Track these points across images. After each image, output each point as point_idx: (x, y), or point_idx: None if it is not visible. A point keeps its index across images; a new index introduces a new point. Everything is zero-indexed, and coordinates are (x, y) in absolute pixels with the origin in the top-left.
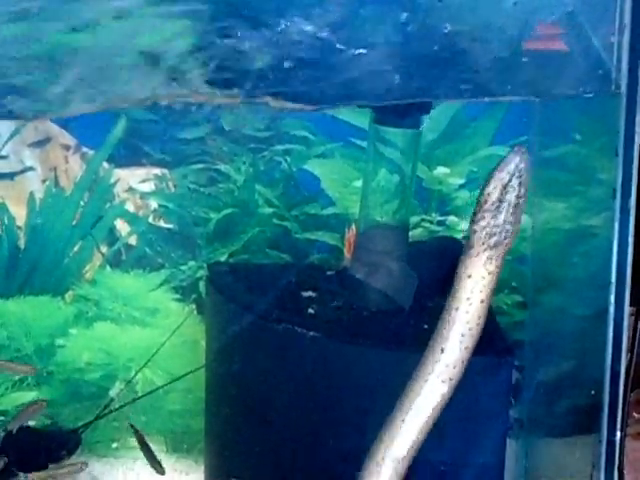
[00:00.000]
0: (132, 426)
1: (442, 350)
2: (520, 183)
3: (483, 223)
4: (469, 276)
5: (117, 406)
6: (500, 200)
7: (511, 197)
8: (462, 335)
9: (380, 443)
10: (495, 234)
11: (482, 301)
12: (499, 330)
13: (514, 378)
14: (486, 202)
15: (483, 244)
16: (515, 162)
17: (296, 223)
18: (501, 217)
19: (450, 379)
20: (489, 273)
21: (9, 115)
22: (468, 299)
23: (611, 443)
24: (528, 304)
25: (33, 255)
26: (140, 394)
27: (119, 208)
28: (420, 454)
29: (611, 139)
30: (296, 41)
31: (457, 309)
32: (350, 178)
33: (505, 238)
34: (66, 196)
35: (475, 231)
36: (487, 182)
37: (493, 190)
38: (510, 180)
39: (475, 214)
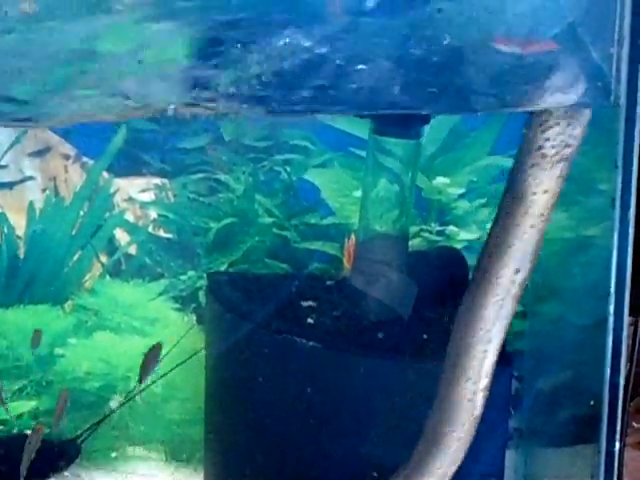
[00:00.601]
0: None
1: (517, 270)
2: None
3: (558, 129)
4: (545, 191)
5: (115, 413)
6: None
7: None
8: (535, 254)
9: None
10: (569, 145)
11: (548, 218)
12: None
13: (513, 388)
14: (558, 108)
15: (557, 154)
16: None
17: (296, 233)
18: (577, 125)
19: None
20: (559, 188)
21: (9, 123)
22: (542, 215)
23: (610, 454)
24: (527, 314)
25: (33, 264)
26: (139, 403)
27: (119, 218)
28: None
29: (610, 150)
30: (295, 53)
31: (532, 226)
32: (350, 188)
33: (576, 148)
34: (66, 205)
35: (548, 139)
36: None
37: (564, 95)
38: (582, 85)
39: (542, 123)
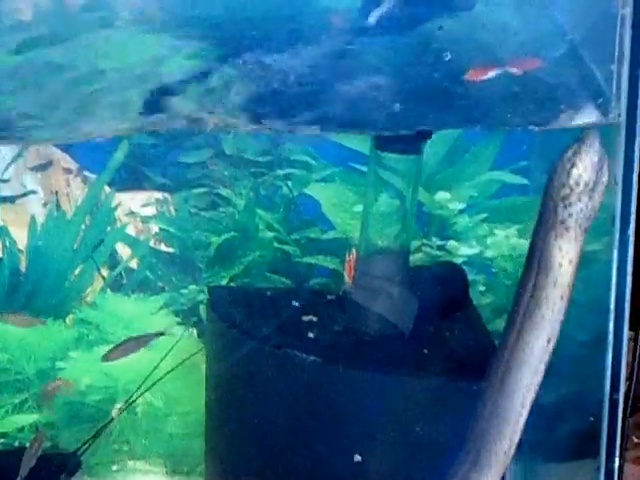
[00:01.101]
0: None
1: (549, 340)
2: (607, 160)
3: (580, 206)
4: (570, 261)
5: (115, 427)
6: (594, 182)
7: (604, 179)
8: (561, 322)
9: None
10: (590, 218)
11: (572, 285)
12: None
13: None
14: (578, 184)
15: (580, 226)
16: (598, 140)
17: (297, 247)
18: (596, 200)
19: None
20: (580, 255)
21: (13, 140)
22: (569, 285)
23: (610, 470)
24: None
25: (34, 278)
26: (140, 417)
27: (120, 232)
28: (419, 478)
29: (610, 166)
30: (296, 69)
31: (562, 297)
32: (350, 203)
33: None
34: (67, 220)
35: (571, 215)
36: (573, 164)
37: (584, 171)
38: (599, 160)
39: (565, 198)
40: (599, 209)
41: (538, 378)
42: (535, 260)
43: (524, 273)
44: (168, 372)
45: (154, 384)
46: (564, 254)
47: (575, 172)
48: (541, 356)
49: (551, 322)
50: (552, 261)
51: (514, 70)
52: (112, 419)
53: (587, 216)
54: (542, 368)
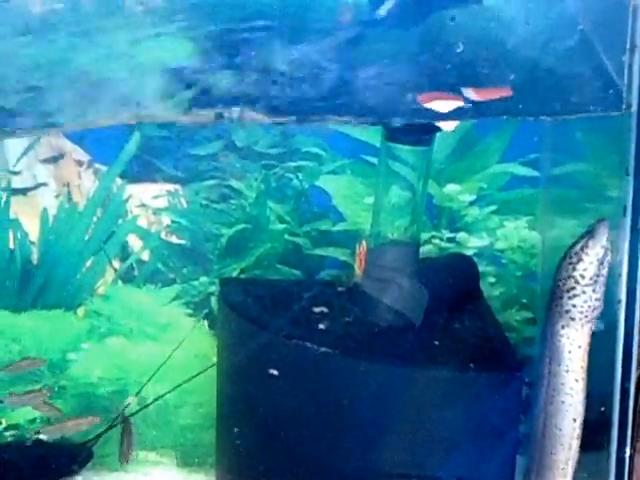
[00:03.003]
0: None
1: (574, 420)
2: (611, 254)
3: (584, 298)
4: (579, 347)
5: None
6: (597, 275)
7: (605, 270)
8: (584, 398)
9: None
10: (595, 309)
11: (586, 364)
12: (509, 346)
13: (524, 394)
14: (583, 277)
15: (586, 317)
16: (605, 235)
17: (307, 239)
18: (599, 291)
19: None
20: (590, 339)
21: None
22: (582, 367)
23: (620, 460)
24: (538, 320)
25: (46, 270)
26: (151, 409)
27: (132, 224)
28: (430, 470)
29: (621, 157)
30: (308, 60)
31: (577, 380)
32: (361, 194)
33: (600, 308)
34: (79, 212)
35: (575, 306)
36: (579, 258)
37: (590, 266)
38: (605, 254)
39: (570, 289)
40: (601, 303)
41: (572, 452)
42: (547, 348)
43: (540, 359)
44: None
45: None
46: (572, 341)
47: (581, 266)
48: (571, 433)
49: (573, 405)
50: (562, 349)
51: (473, 96)
52: (123, 416)
53: (592, 307)
54: (575, 443)
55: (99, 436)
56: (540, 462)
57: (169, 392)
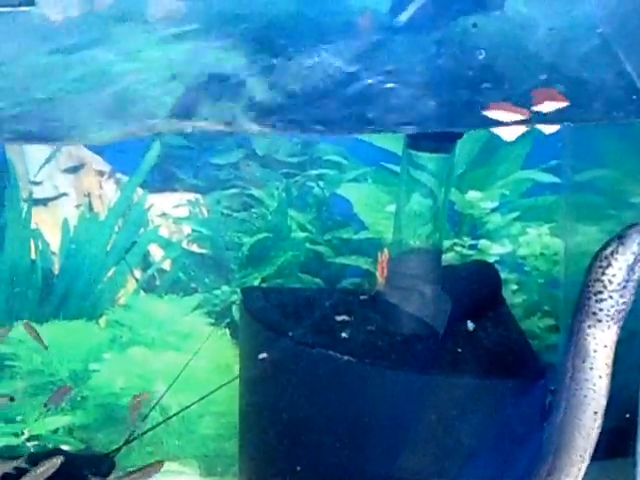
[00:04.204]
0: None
1: (595, 412)
2: None
3: (611, 302)
4: (605, 346)
5: (148, 429)
6: (626, 280)
7: (636, 275)
8: (607, 392)
9: None
10: (623, 310)
11: (612, 360)
12: (532, 353)
13: (547, 401)
14: (611, 283)
15: (612, 319)
16: (637, 242)
17: (329, 247)
18: (627, 295)
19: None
20: (618, 338)
21: (44, 139)
22: (607, 364)
23: None
24: (560, 327)
25: (67, 280)
26: (174, 419)
27: (153, 233)
28: (453, 478)
29: None
30: (328, 68)
31: (601, 377)
32: (383, 203)
33: (629, 307)
34: (100, 221)
35: (602, 309)
36: (608, 263)
37: (618, 271)
38: (635, 261)
39: (598, 293)
40: (630, 303)
41: (591, 442)
42: (572, 343)
43: (564, 353)
44: None
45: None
46: (598, 341)
47: (610, 271)
48: (591, 424)
49: (595, 399)
50: (587, 347)
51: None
52: (145, 430)
53: (619, 310)
54: (595, 432)
55: (122, 446)
56: (558, 447)
57: (192, 404)
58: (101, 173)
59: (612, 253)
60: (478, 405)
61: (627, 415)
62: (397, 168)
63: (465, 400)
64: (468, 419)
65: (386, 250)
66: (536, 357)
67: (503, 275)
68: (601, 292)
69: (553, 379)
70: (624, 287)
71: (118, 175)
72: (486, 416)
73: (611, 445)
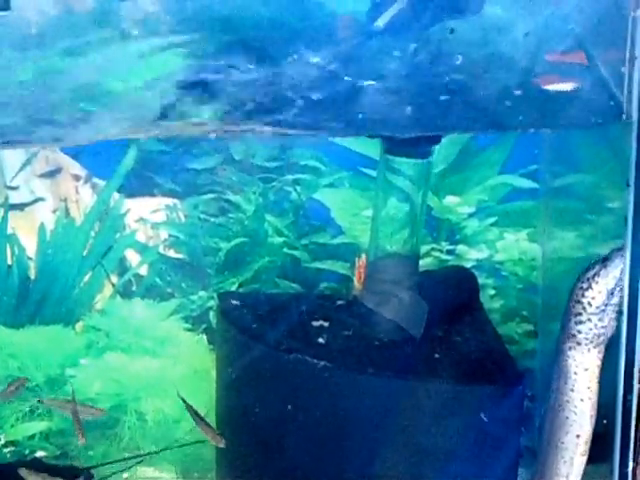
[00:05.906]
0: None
1: (578, 436)
2: (622, 286)
3: (590, 325)
4: (586, 369)
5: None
6: (605, 304)
7: (615, 300)
8: (591, 417)
9: None
10: (602, 335)
11: (596, 385)
12: (510, 359)
13: (525, 406)
14: (591, 305)
15: (591, 342)
16: (620, 267)
17: (306, 252)
18: (606, 319)
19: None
20: (601, 361)
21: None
22: (589, 388)
23: (623, 475)
24: (538, 333)
25: (43, 285)
26: (151, 424)
27: (129, 238)
28: None
29: (622, 168)
30: (306, 72)
31: (582, 400)
32: (360, 207)
33: (610, 332)
34: (77, 226)
35: (580, 332)
36: (589, 286)
37: (598, 295)
38: (615, 285)
39: (577, 315)
40: (611, 328)
41: (575, 468)
42: (557, 364)
43: (552, 374)
44: None
45: None
46: (578, 364)
47: (590, 294)
48: (573, 449)
49: (577, 422)
50: (568, 369)
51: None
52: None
53: (598, 335)
54: (578, 459)
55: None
56: (542, 472)
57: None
58: (77, 178)
59: (594, 276)
60: (455, 410)
61: (604, 421)
62: (374, 173)
63: (443, 405)
64: (445, 424)
65: (363, 255)
66: (514, 362)
67: (481, 280)
68: (580, 314)
69: (530, 385)
70: (603, 311)
71: (95, 180)
72: (463, 421)
73: (590, 451)
